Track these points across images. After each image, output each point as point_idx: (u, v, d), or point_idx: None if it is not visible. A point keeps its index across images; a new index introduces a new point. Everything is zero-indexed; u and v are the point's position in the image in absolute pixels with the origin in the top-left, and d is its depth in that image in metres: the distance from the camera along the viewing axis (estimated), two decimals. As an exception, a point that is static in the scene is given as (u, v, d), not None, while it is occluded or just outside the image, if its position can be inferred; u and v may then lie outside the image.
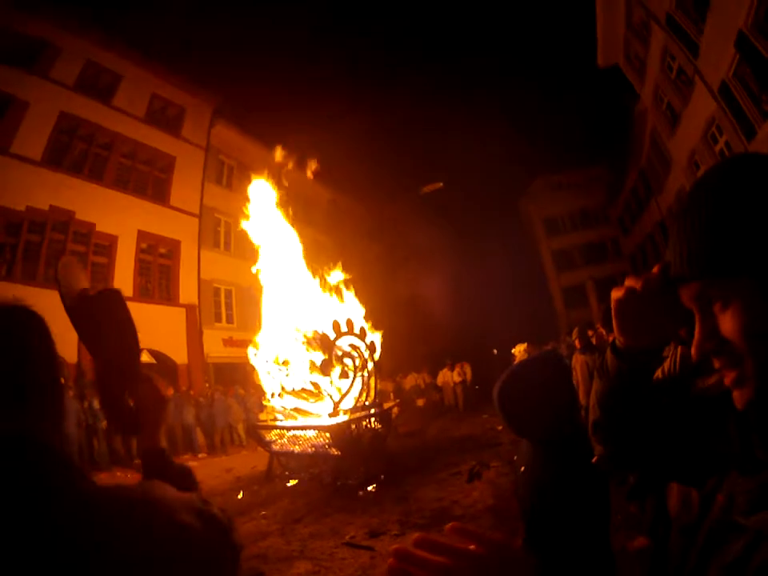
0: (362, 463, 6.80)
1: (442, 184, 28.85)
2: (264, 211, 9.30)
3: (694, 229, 0.60)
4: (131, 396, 0.95)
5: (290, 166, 9.72)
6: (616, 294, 0.76)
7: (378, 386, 8.44)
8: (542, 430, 1.62)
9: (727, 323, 0.57)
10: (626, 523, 3.48)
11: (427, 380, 18.42)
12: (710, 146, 14.95)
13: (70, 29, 14.43)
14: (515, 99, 66.87)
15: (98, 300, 1.00)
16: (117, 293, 1.00)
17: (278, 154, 9.86)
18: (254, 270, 8.87)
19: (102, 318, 0.97)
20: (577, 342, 6.47)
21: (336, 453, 6.83)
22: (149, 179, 16.64)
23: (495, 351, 20.15)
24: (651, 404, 0.79)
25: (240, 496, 6.85)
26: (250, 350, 8.30)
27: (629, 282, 0.74)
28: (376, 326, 8.72)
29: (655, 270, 0.72)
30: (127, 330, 0.98)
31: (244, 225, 9.15)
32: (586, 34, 18.57)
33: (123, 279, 14.62)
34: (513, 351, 10.06)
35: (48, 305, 0.88)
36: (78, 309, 0.95)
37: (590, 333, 7.01)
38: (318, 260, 9.33)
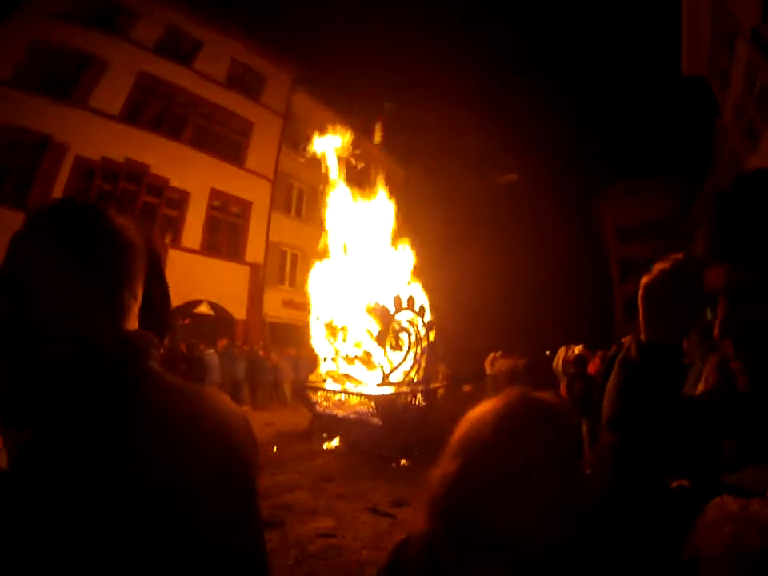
0: (400, 436, 6.89)
1: (516, 176, 28.09)
2: (340, 183, 9.53)
3: (742, 216, 0.63)
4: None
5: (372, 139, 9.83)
6: (646, 278, 0.74)
7: (430, 364, 8.51)
8: None
9: (749, 312, 0.61)
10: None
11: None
12: (790, 171, 13.61)
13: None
14: (597, 99, 64.05)
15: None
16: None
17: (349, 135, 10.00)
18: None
19: None
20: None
21: (377, 422, 6.98)
22: (225, 141, 17.12)
23: (548, 352, 19.48)
24: (673, 405, 0.77)
25: (275, 449, 7.04)
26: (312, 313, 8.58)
27: (659, 266, 0.73)
28: (436, 307, 8.76)
29: (681, 255, 0.73)
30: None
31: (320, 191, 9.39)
32: (673, 41, 17.76)
33: (192, 233, 15.30)
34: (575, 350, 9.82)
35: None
36: None
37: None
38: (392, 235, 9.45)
